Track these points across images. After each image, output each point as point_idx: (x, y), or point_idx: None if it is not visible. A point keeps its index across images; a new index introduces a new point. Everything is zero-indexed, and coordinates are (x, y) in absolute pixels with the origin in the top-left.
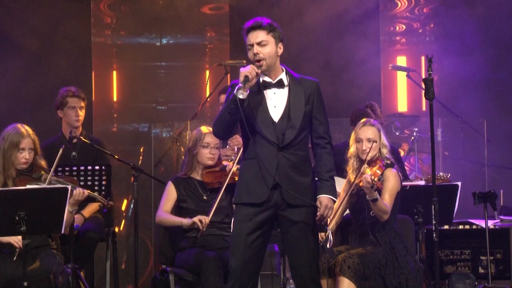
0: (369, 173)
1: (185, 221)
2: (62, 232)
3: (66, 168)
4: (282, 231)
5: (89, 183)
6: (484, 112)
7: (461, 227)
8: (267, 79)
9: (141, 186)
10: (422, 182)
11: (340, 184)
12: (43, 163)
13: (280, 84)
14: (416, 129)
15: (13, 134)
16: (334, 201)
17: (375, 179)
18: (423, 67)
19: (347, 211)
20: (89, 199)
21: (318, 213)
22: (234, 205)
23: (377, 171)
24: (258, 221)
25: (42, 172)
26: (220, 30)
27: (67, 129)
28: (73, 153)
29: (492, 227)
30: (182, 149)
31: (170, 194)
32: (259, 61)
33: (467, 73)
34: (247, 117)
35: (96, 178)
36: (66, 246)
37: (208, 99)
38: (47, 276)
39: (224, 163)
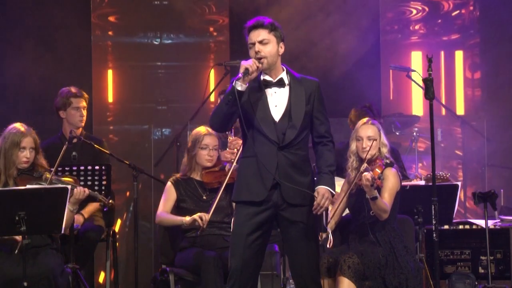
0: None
1: (186, 219)
2: (62, 232)
3: (66, 168)
4: (282, 231)
5: (89, 183)
6: (484, 112)
7: (461, 227)
8: (267, 78)
9: (141, 186)
10: (422, 182)
11: (340, 184)
12: (44, 162)
13: (280, 83)
14: (416, 129)
15: (14, 133)
16: (333, 194)
17: (375, 177)
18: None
19: (347, 211)
20: (90, 198)
21: (314, 202)
22: (234, 204)
23: (377, 169)
24: (258, 221)
25: (43, 172)
26: (220, 30)
27: (67, 129)
28: (73, 153)
29: (492, 227)
30: (182, 149)
31: (170, 194)
32: (260, 59)
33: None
34: (248, 114)
35: (96, 178)
36: (66, 246)
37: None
38: (47, 276)
39: (224, 163)
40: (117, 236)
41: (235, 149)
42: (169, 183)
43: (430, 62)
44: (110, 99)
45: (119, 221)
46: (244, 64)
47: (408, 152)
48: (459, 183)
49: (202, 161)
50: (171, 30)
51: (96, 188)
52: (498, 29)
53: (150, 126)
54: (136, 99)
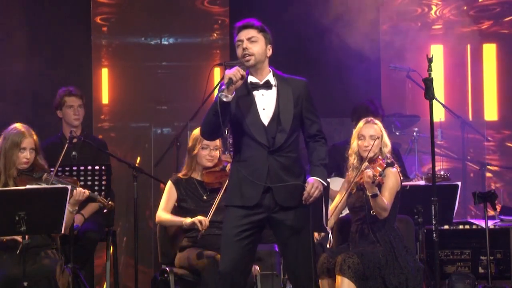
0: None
1: (185, 220)
2: (62, 232)
3: (66, 168)
4: (275, 233)
5: (89, 183)
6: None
7: (461, 227)
8: (254, 80)
9: (141, 186)
10: (422, 182)
11: (340, 183)
12: (44, 163)
13: (267, 85)
14: (416, 129)
15: (14, 134)
16: (324, 185)
17: (376, 175)
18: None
19: (347, 211)
20: (89, 199)
21: (304, 192)
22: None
23: (378, 167)
24: (249, 223)
25: (43, 172)
26: (220, 30)
27: (67, 129)
28: (73, 153)
29: (492, 227)
30: (182, 149)
31: (170, 193)
32: (247, 56)
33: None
34: (237, 118)
35: (96, 178)
36: (66, 246)
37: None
38: (47, 276)
39: (224, 163)
40: (117, 236)
41: None
42: (169, 183)
43: (430, 62)
44: (110, 99)
45: (119, 221)
46: (228, 73)
47: (408, 152)
48: (459, 183)
49: (203, 161)
50: (171, 30)
51: (96, 188)
52: None
53: (150, 126)
54: (136, 99)
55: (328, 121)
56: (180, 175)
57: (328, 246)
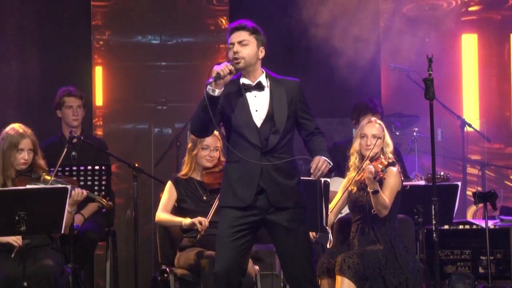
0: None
1: (185, 221)
2: (62, 232)
3: (66, 168)
4: (271, 235)
5: (89, 183)
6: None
7: (461, 227)
8: (246, 81)
9: (141, 186)
10: (422, 182)
11: (340, 183)
12: (42, 163)
13: (260, 87)
14: (416, 129)
15: (12, 134)
16: (331, 165)
17: (378, 171)
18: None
19: (347, 211)
20: (88, 199)
21: (312, 164)
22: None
23: (379, 165)
24: (243, 224)
25: (42, 173)
26: (220, 30)
27: (66, 129)
28: (73, 153)
29: (492, 227)
30: (182, 149)
31: (170, 193)
32: (237, 59)
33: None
34: (230, 119)
35: (96, 178)
36: (66, 246)
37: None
38: (47, 276)
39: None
40: (117, 236)
41: None
42: (169, 183)
43: (430, 62)
44: (110, 99)
45: (119, 221)
46: (216, 69)
47: (408, 152)
48: (459, 183)
49: (203, 161)
50: (171, 30)
51: (96, 188)
52: None
53: (150, 126)
54: (136, 99)
55: (328, 121)
56: (179, 175)
57: (328, 246)
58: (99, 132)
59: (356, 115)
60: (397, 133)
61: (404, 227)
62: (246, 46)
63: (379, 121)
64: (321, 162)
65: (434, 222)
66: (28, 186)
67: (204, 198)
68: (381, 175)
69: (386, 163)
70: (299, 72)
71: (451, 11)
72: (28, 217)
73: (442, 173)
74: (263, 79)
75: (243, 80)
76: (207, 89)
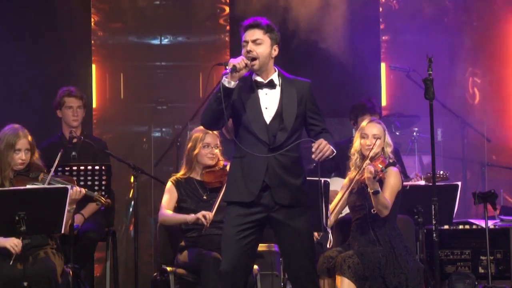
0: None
1: (189, 217)
2: (62, 232)
3: (66, 168)
4: (275, 233)
5: (89, 183)
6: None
7: (461, 227)
8: (259, 79)
9: (141, 186)
10: (422, 182)
11: (340, 183)
12: (39, 163)
13: (271, 85)
14: (416, 129)
15: (9, 135)
16: (333, 152)
17: (378, 171)
18: None
19: (347, 211)
20: (87, 198)
21: (313, 145)
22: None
23: (379, 165)
24: (249, 222)
25: (39, 172)
26: (220, 30)
27: (66, 129)
28: (73, 153)
29: (492, 227)
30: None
31: (171, 193)
32: (251, 59)
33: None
34: (240, 114)
35: (96, 178)
36: (66, 246)
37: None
38: (47, 276)
39: (224, 162)
40: (117, 236)
41: None
42: (169, 183)
43: (430, 62)
44: (110, 99)
45: (119, 221)
46: (232, 61)
47: (408, 152)
48: (459, 183)
49: (205, 159)
50: (171, 30)
51: (96, 188)
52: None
53: (150, 126)
54: (136, 99)
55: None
56: (178, 175)
57: (328, 246)
58: (99, 132)
59: (354, 115)
60: (397, 133)
61: (404, 227)
62: (260, 45)
63: (380, 121)
64: (323, 144)
65: (434, 222)
66: (28, 186)
67: (204, 197)
68: (381, 175)
69: (386, 163)
70: (299, 72)
71: None
72: (28, 217)
73: (441, 172)
74: (275, 77)
75: (255, 77)
76: (223, 80)
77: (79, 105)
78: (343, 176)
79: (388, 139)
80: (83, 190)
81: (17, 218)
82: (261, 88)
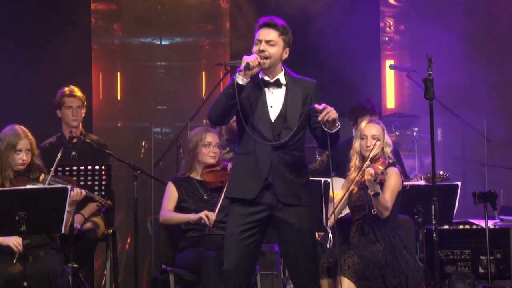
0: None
1: (192, 216)
2: (62, 232)
3: (66, 168)
4: (278, 232)
5: (89, 183)
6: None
7: (461, 227)
8: (266, 77)
9: (141, 186)
10: (422, 182)
11: (340, 183)
12: (40, 163)
13: (277, 84)
14: (416, 129)
15: (10, 135)
16: (339, 125)
17: (378, 173)
18: None
19: (347, 211)
20: (87, 199)
21: (320, 106)
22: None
23: (380, 166)
24: (252, 221)
25: (40, 173)
26: (220, 30)
27: (66, 129)
28: (73, 153)
29: (492, 227)
30: (182, 149)
31: (172, 193)
32: (263, 58)
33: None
34: (246, 111)
35: (96, 178)
36: (66, 246)
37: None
38: (47, 276)
39: (224, 162)
40: (117, 236)
41: None
42: (170, 183)
43: (430, 62)
44: (110, 99)
45: (119, 221)
46: (246, 59)
47: (408, 152)
48: (459, 183)
49: (206, 158)
50: (171, 30)
51: (96, 188)
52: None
53: (150, 125)
54: (136, 99)
55: None
56: (179, 175)
57: (328, 246)
58: (99, 132)
59: (354, 116)
60: (397, 133)
61: (404, 227)
62: (273, 46)
63: (379, 121)
64: (330, 108)
65: (434, 222)
66: (28, 186)
67: (205, 197)
68: (382, 177)
69: (387, 164)
70: (298, 73)
71: None
72: (28, 217)
73: (441, 172)
74: (281, 76)
75: (262, 76)
76: (236, 77)
77: (79, 105)
78: (343, 176)
79: (387, 139)
80: (84, 191)
81: (17, 218)
82: (268, 87)
